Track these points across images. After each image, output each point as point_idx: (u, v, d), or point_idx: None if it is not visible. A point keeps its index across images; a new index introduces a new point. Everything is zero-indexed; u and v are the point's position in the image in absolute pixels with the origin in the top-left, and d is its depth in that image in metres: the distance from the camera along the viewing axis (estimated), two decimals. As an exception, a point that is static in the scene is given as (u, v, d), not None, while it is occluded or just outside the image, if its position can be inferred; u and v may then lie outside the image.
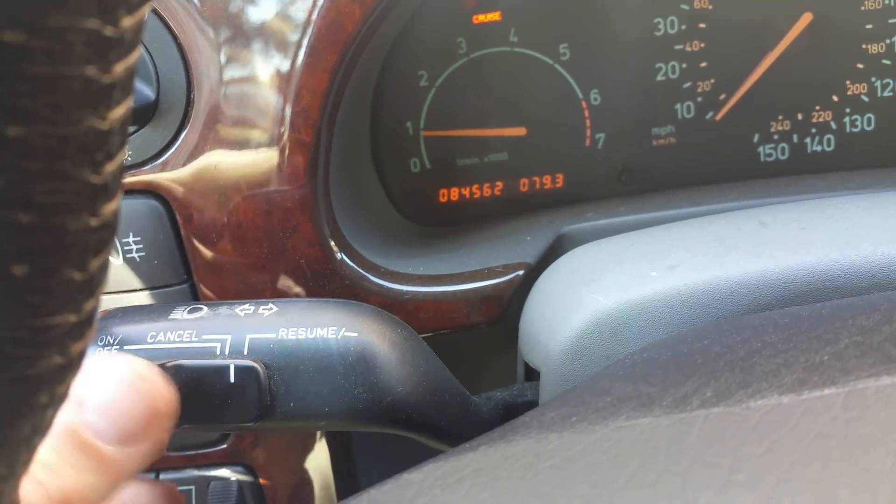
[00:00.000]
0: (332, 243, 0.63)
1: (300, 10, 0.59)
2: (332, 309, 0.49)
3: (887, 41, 0.76)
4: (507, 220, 0.77)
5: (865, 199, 0.59)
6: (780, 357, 0.40)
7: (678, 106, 0.80)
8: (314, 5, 0.58)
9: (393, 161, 0.82)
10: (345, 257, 0.64)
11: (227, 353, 0.48)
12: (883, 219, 0.55)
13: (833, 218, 0.56)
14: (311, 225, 0.62)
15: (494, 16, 0.76)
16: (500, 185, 0.84)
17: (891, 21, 0.75)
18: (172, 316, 0.51)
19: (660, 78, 0.79)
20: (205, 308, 0.51)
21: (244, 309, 0.50)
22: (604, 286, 0.56)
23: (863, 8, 0.75)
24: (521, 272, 0.64)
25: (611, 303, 0.55)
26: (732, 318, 0.51)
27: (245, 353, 0.48)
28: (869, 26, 0.76)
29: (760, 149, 0.80)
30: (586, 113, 0.81)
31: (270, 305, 0.50)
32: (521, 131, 0.81)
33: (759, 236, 0.56)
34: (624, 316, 0.55)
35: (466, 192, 0.85)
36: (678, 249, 0.57)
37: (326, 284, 0.64)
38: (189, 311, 0.51)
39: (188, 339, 0.49)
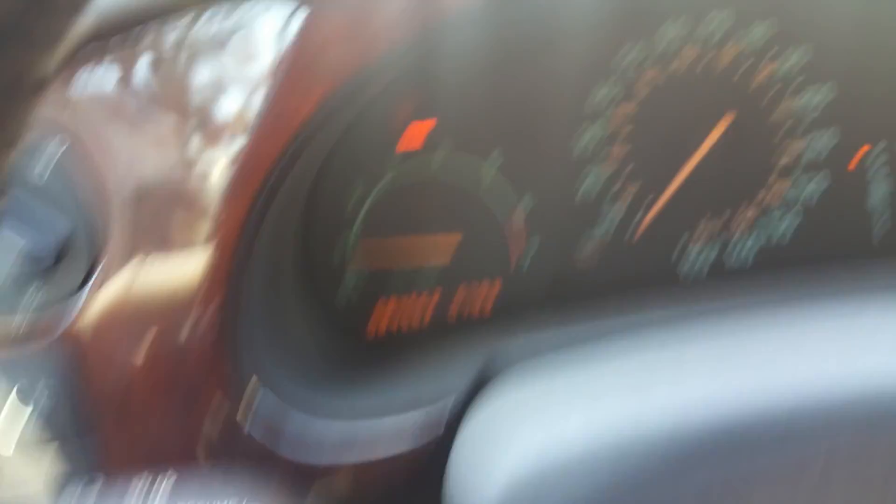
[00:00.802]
0: (248, 387, 0.59)
1: (220, 144, 0.56)
2: (231, 481, 0.44)
3: (807, 137, 0.78)
4: (436, 343, 0.73)
5: (786, 316, 0.58)
6: None
7: (608, 207, 0.79)
8: (235, 139, 0.56)
9: (328, 274, 0.79)
10: (265, 395, 0.60)
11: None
12: (800, 340, 0.54)
13: (753, 340, 0.55)
14: (225, 366, 0.58)
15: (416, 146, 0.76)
16: (437, 290, 0.81)
17: (808, 119, 0.77)
18: (68, 491, 0.46)
19: (589, 181, 0.79)
20: (100, 481, 0.46)
21: (141, 481, 0.45)
22: (522, 453, 0.52)
23: (780, 107, 0.77)
24: (448, 405, 0.61)
25: (528, 470, 0.51)
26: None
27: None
28: (789, 123, 0.77)
29: (689, 249, 0.80)
30: (521, 217, 0.80)
31: (169, 477, 0.45)
32: (456, 238, 0.79)
33: (683, 358, 0.54)
34: (544, 480, 0.51)
35: (404, 299, 0.82)
36: (600, 399, 0.54)
37: (241, 432, 0.59)
38: (84, 485, 0.46)
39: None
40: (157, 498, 0.44)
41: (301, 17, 0.54)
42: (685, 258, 0.80)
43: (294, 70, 0.54)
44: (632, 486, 0.50)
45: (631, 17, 0.75)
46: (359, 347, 0.79)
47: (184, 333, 0.57)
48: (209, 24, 0.58)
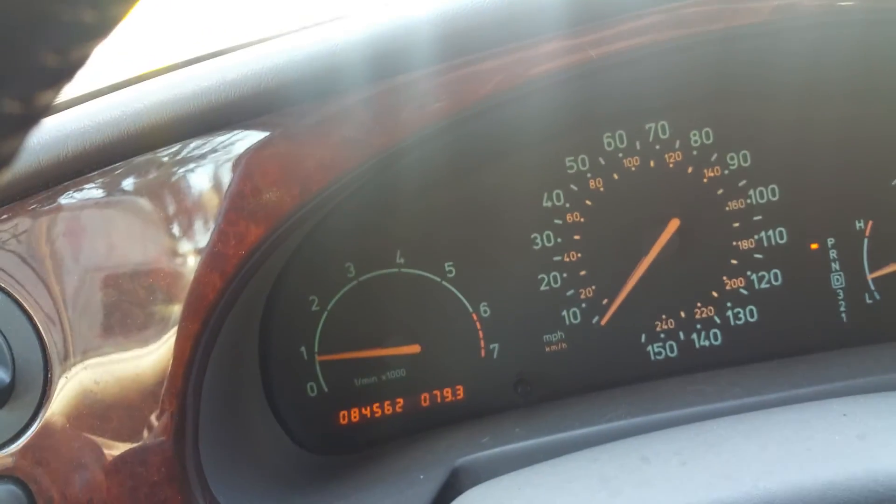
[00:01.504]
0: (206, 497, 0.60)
1: (163, 282, 0.59)
2: None
3: (755, 237, 0.80)
4: (404, 450, 0.74)
5: (744, 421, 0.59)
6: None
7: (564, 313, 0.81)
8: (178, 278, 0.59)
9: (287, 389, 0.80)
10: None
11: None
12: (761, 447, 0.55)
13: (712, 448, 0.55)
14: (179, 497, 0.58)
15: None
16: (400, 401, 0.82)
17: (755, 218, 0.80)
18: None
19: (543, 288, 0.81)
20: None
21: None
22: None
23: (727, 209, 0.80)
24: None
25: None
26: None
27: None
28: (736, 225, 0.80)
29: (649, 348, 0.81)
30: (478, 325, 0.82)
31: None
32: (415, 349, 0.81)
33: (642, 476, 0.55)
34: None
35: (367, 411, 0.82)
36: (564, 496, 0.55)
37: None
38: None
39: None
40: None
41: (244, 158, 0.58)
42: (649, 352, 0.81)
43: (233, 211, 0.58)
44: None
45: (571, 130, 0.79)
46: (330, 435, 0.79)
47: (136, 469, 0.58)
48: (189, 153, 0.61)
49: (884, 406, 0.57)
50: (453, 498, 0.60)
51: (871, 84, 0.78)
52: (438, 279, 0.81)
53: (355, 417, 0.82)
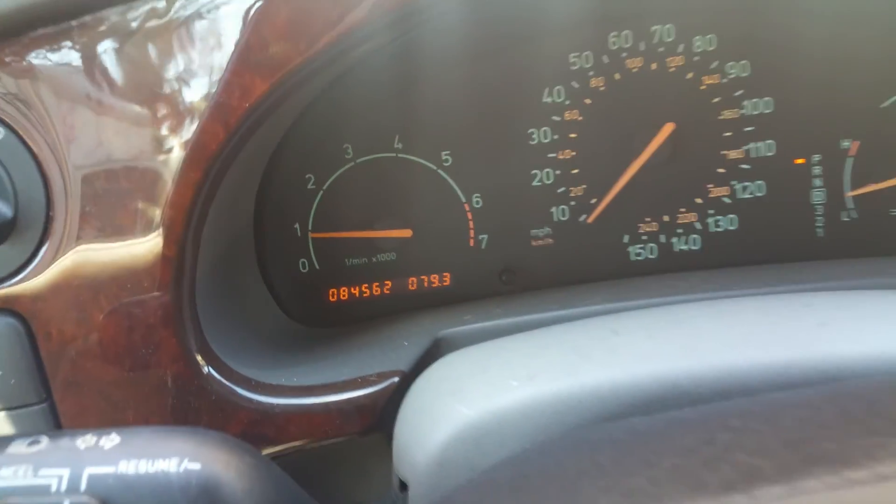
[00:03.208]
0: (199, 357, 0.62)
1: (165, 129, 0.60)
2: (175, 438, 0.47)
3: (744, 147, 0.82)
4: (390, 323, 0.78)
5: (712, 306, 0.63)
6: (604, 480, 0.41)
7: (554, 209, 0.84)
8: (179, 125, 0.60)
9: (280, 263, 0.82)
10: (212, 371, 0.63)
11: (63, 489, 0.46)
12: (726, 326, 0.58)
13: (679, 326, 0.59)
14: (174, 340, 0.61)
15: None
16: (388, 284, 0.85)
17: (746, 129, 0.82)
18: (10, 450, 0.49)
19: (536, 184, 0.83)
20: (45, 440, 0.49)
21: (85, 440, 0.48)
22: (468, 397, 0.57)
23: (720, 118, 0.82)
24: (395, 380, 0.65)
25: (473, 413, 0.56)
26: (577, 429, 0.52)
27: (82, 489, 0.46)
28: (727, 134, 0.82)
29: (630, 248, 0.84)
30: (469, 216, 0.84)
31: (113, 435, 0.48)
32: (407, 233, 0.83)
33: (610, 345, 0.58)
34: (486, 426, 0.55)
35: (356, 290, 0.85)
36: (539, 359, 0.59)
37: (192, 400, 0.63)
38: (28, 444, 0.49)
39: (23, 475, 0.47)
40: (99, 455, 0.47)
41: (253, 9, 0.58)
42: (629, 252, 0.84)
43: (239, 63, 0.58)
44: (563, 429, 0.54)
45: (578, 26, 0.79)
46: (318, 311, 0.83)
47: (132, 310, 0.60)
48: (174, 10, 0.61)
49: (845, 300, 0.61)
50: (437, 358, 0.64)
51: (870, 6, 0.79)
52: (434, 167, 0.83)
53: (344, 296, 0.85)
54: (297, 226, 0.83)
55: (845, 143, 0.82)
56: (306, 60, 0.58)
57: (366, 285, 0.85)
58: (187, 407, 0.62)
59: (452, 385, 0.59)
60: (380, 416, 0.64)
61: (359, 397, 0.64)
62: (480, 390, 0.57)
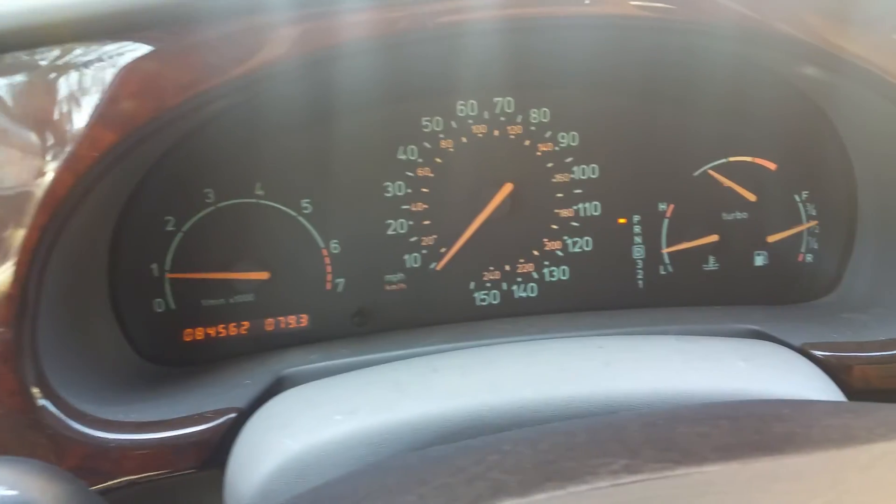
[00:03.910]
0: (35, 391, 0.64)
1: (26, 172, 0.62)
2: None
3: (574, 207, 0.92)
4: (237, 363, 0.81)
5: (522, 347, 0.70)
6: (382, 499, 0.46)
7: (407, 257, 0.90)
8: (39, 169, 0.62)
9: (135, 302, 0.84)
10: (48, 405, 0.64)
11: None
12: (528, 366, 0.66)
13: (490, 365, 0.66)
14: (11, 375, 0.62)
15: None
16: (246, 325, 0.89)
17: (576, 191, 0.92)
18: None
19: (390, 232, 0.90)
20: None
21: None
22: (295, 431, 0.62)
23: (553, 180, 0.92)
24: (232, 416, 0.68)
25: (298, 446, 0.60)
26: (383, 458, 0.58)
27: None
28: (559, 195, 0.92)
29: (476, 294, 0.92)
30: (327, 260, 0.89)
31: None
32: (264, 275, 0.88)
33: (429, 382, 0.64)
34: (310, 458, 0.60)
35: (213, 331, 0.88)
36: (364, 395, 0.64)
37: (29, 433, 0.64)
38: None
39: None
40: None
41: (118, 69, 0.63)
42: (475, 298, 0.92)
43: (93, 116, 0.62)
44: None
45: (430, 94, 0.88)
46: (174, 351, 0.85)
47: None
48: (70, 58, 0.64)
49: (632, 343, 0.70)
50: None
51: (681, 87, 0.92)
52: (294, 214, 0.88)
53: (200, 336, 0.88)
54: (154, 266, 0.85)
55: (662, 206, 0.93)
56: (154, 118, 0.62)
57: (223, 326, 0.88)
58: (23, 440, 0.63)
59: (282, 420, 0.63)
60: (215, 452, 0.67)
61: (194, 433, 0.67)
62: (307, 425, 0.62)
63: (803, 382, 0.64)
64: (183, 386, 0.75)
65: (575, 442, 0.50)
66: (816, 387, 0.64)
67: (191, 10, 0.65)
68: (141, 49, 0.63)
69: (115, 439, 0.65)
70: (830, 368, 0.70)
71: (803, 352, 0.71)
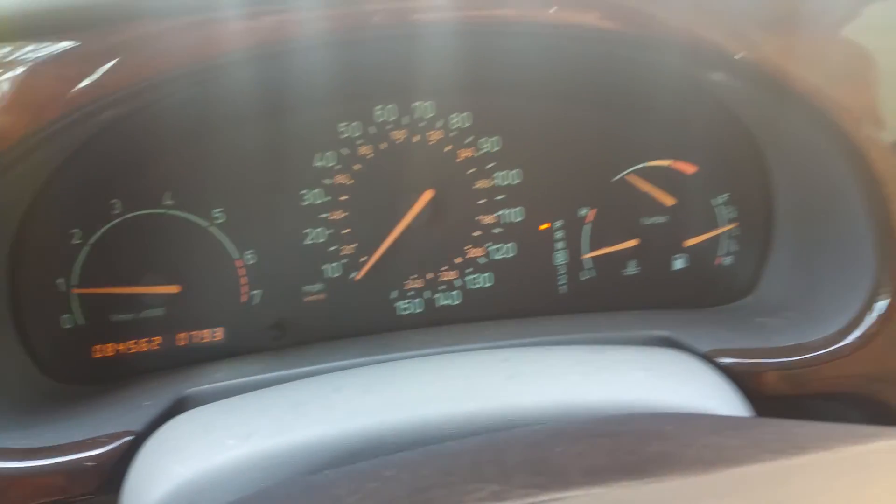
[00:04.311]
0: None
1: None
2: None
3: (496, 213, 0.92)
4: (140, 382, 0.78)
5: (433, 362, 0.69)
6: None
7: (326, 267, 0.88)
8: None
9: (40, 319, 0.81)
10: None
11: None
12: (431, 382, 0.65)
13: (393, 382, 0.65)
14: None
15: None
16: (157, 339, 0.86)
17: (498, 197, 0.91)
18: None
19: (308, 242, 0.88)
20: None
21: None
22: (186, 456, 0.59)
23: (475, 187, 0.91)
24: (128, 439, 0.66)
25: (188, 472, 0.58)
26: (272, 485, 0.56)
27: None
28: (481, 201, 0.91)
29: (398, 304, 0.91)
30: (242, 271, 0.87)
31: None
32: (174, 289, 0.85)
33: (329, 402, 0.63)
34: (200, 484, 0.58)
35: (123, 347, 0.85)
36: (260, 417, 0.62)
37: None
38: None
39: None
40: None
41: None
42: (397, 307, 0.91)
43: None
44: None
45: (346, 98, 0.86)
46: (83, 368, 0.82)
47: None
48: None
49: (537, 355, 0.69)
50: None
51: (602, 92, 0.91)
52: (206, 224, 0.85)
53: (110, 352, 0.85)
54: (60, 281, 0.82)
55: (583, 211, 0.93)
56: (31, 132, 0.59)
57: (134, 342, 0.85)
58: None
59: (174, 444, 0.61)
60: (111, 477, 0.64)
61: (88, 457, 0.64)
62: (199, 450, 0.60)
63: (703, 391, 0.64)
64: (86, 406, 0.73)
65: (457, 465, 0.49)
66: (716, 396, 0.64)
67: (82, 16, 0.62)
68: (11, 61, 0.60)
69: (1, 467, 0.62)
70: (737, 375, 0.71)
71: (708, 358, 0.71)
